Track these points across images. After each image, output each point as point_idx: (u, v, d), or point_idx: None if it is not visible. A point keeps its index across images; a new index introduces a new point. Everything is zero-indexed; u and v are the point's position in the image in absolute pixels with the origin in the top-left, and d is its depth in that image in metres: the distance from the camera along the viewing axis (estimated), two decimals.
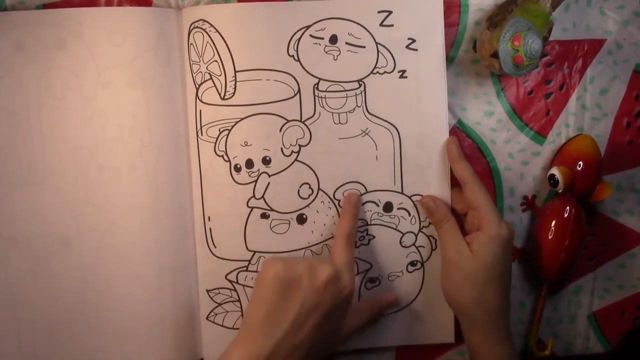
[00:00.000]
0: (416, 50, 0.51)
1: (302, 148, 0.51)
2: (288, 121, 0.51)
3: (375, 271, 0.54)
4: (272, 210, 0.52)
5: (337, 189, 0.52)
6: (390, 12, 0.51)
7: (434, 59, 0.51)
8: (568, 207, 0.52)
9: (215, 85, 0.50)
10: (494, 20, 0.49)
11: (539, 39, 0.46)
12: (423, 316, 0.55)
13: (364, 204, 0.52)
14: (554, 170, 0.52)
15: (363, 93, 0.51)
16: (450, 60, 0.53)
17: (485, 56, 0.49)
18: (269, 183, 0.51)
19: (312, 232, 0.52)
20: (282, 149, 0.51)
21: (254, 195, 0.51)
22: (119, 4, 0.50)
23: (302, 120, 0.51)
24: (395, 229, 0.53)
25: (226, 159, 0.51)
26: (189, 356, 0.53)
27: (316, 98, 0.51)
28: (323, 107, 0.51)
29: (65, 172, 0.50)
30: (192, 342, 0.53)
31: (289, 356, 0.44)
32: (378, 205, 0.53)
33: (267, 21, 0.50)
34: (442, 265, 0.51)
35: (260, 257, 0.52)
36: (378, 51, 0.51)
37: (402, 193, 0.53)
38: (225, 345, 0.45)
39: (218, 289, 0.53)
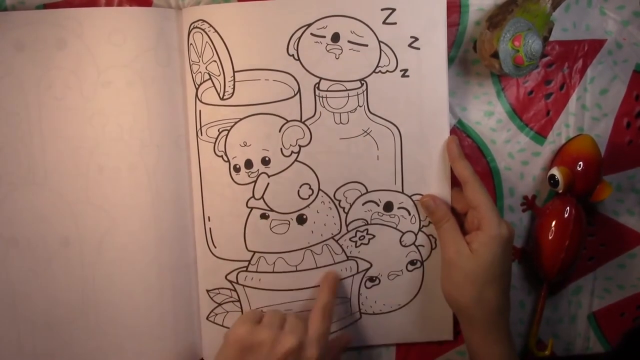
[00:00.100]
0: (418, 49, 0.51)
1: (302, 148, 0.51)
2: (288, 121, 0.51)
3: (375, 270, 0.54)
4: (271, 210, 0.52)
5: (337, 189, 0.52)
6: (393, 10, 0.50)
7: (436, 58, 0.51)
8: (568, 207, 0.52)
9: (214, 86, 0.50)
10: (494, 20, 0.49)
11: (539, 39, 0.46)
12: (422, 314, 0.55)
13: (364, 204, 0.52)
14: (554, 171, 0.52)
15: (365, 92, 0.51)
16: (450, 60, 0.53)
17: (485, 56, 0.49)
18: (268, 183, 0.51)
19: (312, 232, 0.52)
20: (281, 149, 0.51)
21: (253, 196, 0.51)
22: (119, 4, 0.50)
23: (303, 120, 0.51)
24: (395, 228, 0.53)
25: (225, 159, 0.51)
26: (189, 356, 0.53)
27: (317, 98, 0.51)
28: (324, 106, 0.51)
29: (65, 172, 0.50)
30: (192, 342, 0.53)
31: None
32: (378, 205, 0.53)
33: (267, 20, 0.50)
34: (442, 264, 0.51)
35: (260, 257, 0.52)
36: (381, 50, 0.51)
37: (402, 192, 0.53)
38: None
39: (218, 289, 0.53)
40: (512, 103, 0.55)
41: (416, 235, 0.53)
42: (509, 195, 0.56)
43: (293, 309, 0.53)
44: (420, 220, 0.53)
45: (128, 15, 0.49)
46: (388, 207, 0.53)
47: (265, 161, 0.51)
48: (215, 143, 0.51)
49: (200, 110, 0.51)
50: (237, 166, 0.51)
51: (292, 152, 0.51)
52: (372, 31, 0.50)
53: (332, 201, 0.52)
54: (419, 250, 0.54)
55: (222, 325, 0.53)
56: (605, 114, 0.56)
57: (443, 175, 0.52)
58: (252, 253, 0.52)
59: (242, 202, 0.51)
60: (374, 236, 0.53)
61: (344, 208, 0.52)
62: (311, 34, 0.50)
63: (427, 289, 0.54)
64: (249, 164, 0.51)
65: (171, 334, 0.52)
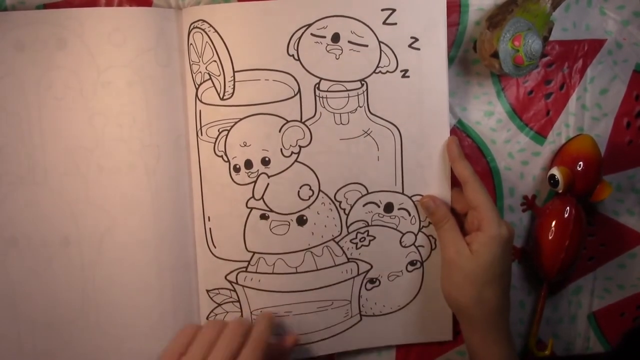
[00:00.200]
0: (419, 49, 0.51)
1: (302, 149, 0.51)
2: (288, 121, 0.51)
3: (375, 272, 0.54)
4: (271, 211, 0.52)
5: (338, 190, 0.52)
6: (393, 10, 0.50)
7: (436, 59, 0.51)
8: (568, 207, 0.53)
9: (214, 86, 0.50)
10: (494, 20, 0.49)
11: (539, 39, 0.46)
12: (422, 315, 0.55)
13: (365, 205, 0.52)
14: (554, 170, 0.52)
15: (365, 93, 0.51)
16: (450, 60, 0.53)
17: (485, 56, 0.49)
18: (268, 184, 0.51)
19: (313, 233, 0.52)
20: (281, 149, 0.51)
21: (253, 196, 0.51)
22: (119, 4, 0.50)
23: (303, 120, 0.51)
24: (395, 229, 0.53)
25: (225, 159, 0.51)
26: None
27: (317, 98, 0.51)
28: (324, 107, 0.51)
29: (65, 172, 0.50)
30: None
31: None
32: (379, 206, 0.53)
33: (267, 20, 0.50)
34: (442, 265, 0.51)
35: (260, 257, 0.52)
36: (381, 50, 0.51)
37: (402, 193, 0.53)
38: None
39: (218, 289, 0.53)
40: (512, 103, 0.55)
41: (416, 235, 0.54)
42: (509, 195, 0.56)
43: (293, 311, 0.53)
44: (420, 220, 0.53)
45: (128, 15, 0.49)
46: (388, 208, 0.53)
47: (265, 161, 0.51)
48: (215, 143, 0.51)
49: (200, 110, 0.51)
50: (237, 166, 0.51)
51: (292, 152, 0.51)
52: (372, 31, 0.50)
53: (333, 202, 0.52)
54: (418, 251, 0.54)
55: None
56: (605, 113, 0.56)
57: (443, 175, 0.52)
58: (252, 254, 0.52)
59: (242, 202, 0.51)
60: (375, 237, 0.53)
61: (344, 209, 0.52)
62: (311, 34, 0.50)
63: (426, 290, 0.54)
64: (248, 164, 0.51)
65: (171, 334, 0.52)
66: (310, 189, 0.52)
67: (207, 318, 0.53)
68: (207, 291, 0.53)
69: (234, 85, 0.50)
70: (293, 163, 0.51)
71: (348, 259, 0.53)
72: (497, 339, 0.49)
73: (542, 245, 0.53)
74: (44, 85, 0.49)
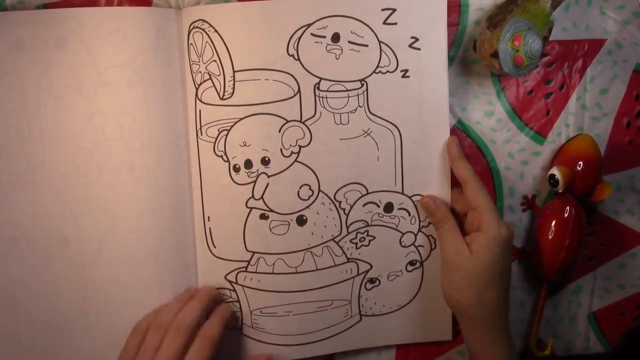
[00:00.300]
0: (419, 49, 0.51)
1: (302, 149, 0.51)
2: (287, 121, 0.51)
3: (375, 272, 0.54)
4: (271, 211, 0.52)
5: (338, 190, 0.52)
6: (394, 10, 0.50)
7: (437, 59, 0.51)
8: (568, 207, 0.52)
9: (214, 86, 0.50)
10: (494, 20, 0.49)
11: (539, 39, 0.46)
12: (422, 315, 0.55)
13: (365, 205, 0.52)
14: (554, 170, 0.52)
15: (365, 93, 0.51)
16: (450, 60, 0.53)
17: (485, 56, 0.49)
18: (268, 184, 0.51)
19: (312, 233, 0.52)
20: (281, 149, 0.51)
21: (253, 196, 0.51)
22: (119, 4, 0.50)
23: (303, 120, 0.51)
24: (395, 229, 0.53)
25: (225, 159, 0.51)
26: None
27: (317, 98, 0.51)
28: (324, 107, 0.51)
29: (65, 172, 0.50)
30: None
31: None
32: (379, 206, 0.52)
33: (267, 20, 0.50)
34: (442, 265, 0.51)
35: (259, 257, 0.52)
36: (381, 50, 0.51)
37: (402, 193, 0.52)
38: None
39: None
40: (512, 103, 0.55)
41: (416, 235, 0.54)
42: (509, 195, 0.56)
43: (292, 311, 0.53)
44: (420, 220, 0.53)
45: (128, 15, 0.49)
46: (388, 208, 0.53)
47: (265, 161, 0.51)
48: (215, 143, 0.51)
49: (200, 110, 0.51)
50: (237, 166, 0.51)
51: (292, 152, 0.51)
52: (373, 31, 0.50)
53: (333, 202, 0.52)
54: (418, 251, 0.54)
55: None
56: (605, 113, 0.56)
57: (443, 175, 0.52)
58: (252, 253, 0.52)
59: (241, 202, 0.51)
60: (374, 237, 0.53)
61: (344, 209, 0.52)
62: (311, 34, 0.50)
63: (426, 290, 0.54)
64: (248, 164, 0.51)
65: None
66: (310, 189, 0.52)
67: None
68: None
69: (233, 85, 0.50)
70: (293, 163, 0.51)
71: (348, 259, 0.53)
72: (496, 339, 0.49)
73: (542, 245, 0.53)
74: (43, 85, 0.49)
